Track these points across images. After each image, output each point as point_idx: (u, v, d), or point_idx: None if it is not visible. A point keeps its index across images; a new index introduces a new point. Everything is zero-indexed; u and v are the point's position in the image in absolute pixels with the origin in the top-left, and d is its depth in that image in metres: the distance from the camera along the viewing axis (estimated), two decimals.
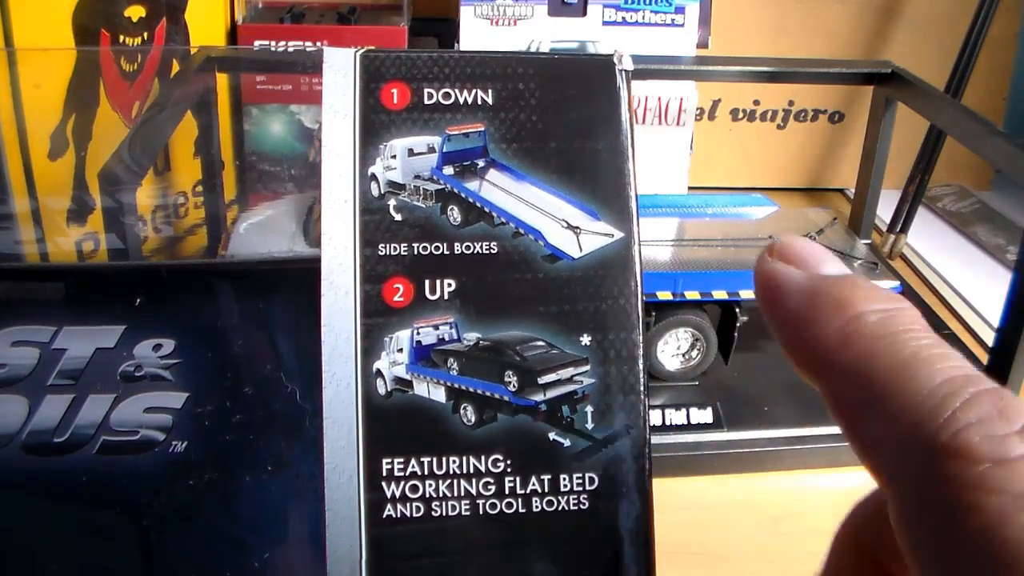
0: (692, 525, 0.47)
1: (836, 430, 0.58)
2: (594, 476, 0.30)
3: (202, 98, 0.59)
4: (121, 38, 0.60)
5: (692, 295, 0.53)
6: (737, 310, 0.53)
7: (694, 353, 0.55)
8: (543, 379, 0.30)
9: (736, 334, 0.54)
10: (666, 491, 0.48)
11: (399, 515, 0.28)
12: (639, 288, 0.31)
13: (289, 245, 0.54)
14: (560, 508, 0.30)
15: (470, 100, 0.31)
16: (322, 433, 0.28)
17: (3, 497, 0.28)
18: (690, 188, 0.79)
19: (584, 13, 0.74)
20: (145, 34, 0.62)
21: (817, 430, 0.50)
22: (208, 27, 0.70)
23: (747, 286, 0.53)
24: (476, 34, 0.74)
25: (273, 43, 0.72)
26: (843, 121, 0.88)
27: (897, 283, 0.55)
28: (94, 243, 0.56)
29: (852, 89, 0.84)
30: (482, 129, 0.31)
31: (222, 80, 0.68)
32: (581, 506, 0.30)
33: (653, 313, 0.52)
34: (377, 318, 0.29)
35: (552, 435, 0.30)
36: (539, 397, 0.30)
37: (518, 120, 0.31)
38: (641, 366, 0.31)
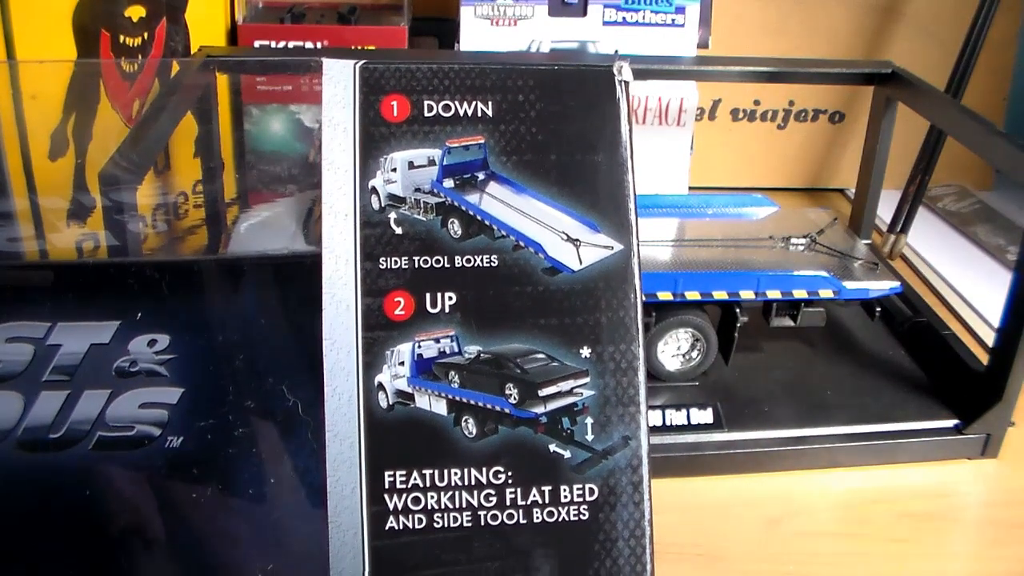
0: (692, 525, 0.47)
1: (836, 430, 0.57)
2: (594, 487, 0.30)
3: (202, 98, 0.59)
4: (121, 38, 0.60)
5: (692, 295, 0.53)
6: (737, 310, 0.53)
7: (694, 353, 0.55)
8: (543, 391, 0.30)
9: (736, 334, 0.54)
10: (666, 491, 0.48)
11: (401, 527, 0.29)
12: (638, 300, 0.31)
13: (289, 244, 0.54)
14: (560, 519, 0.30)
15: (470, 112, 0.31)
16: (324, 445, 0.28)
17: None
18: (690, 188, 0.79)
19: (584, 13, 0.74)
20: (145, 34, 0.62)
21: (817, 430, 0.50)
22: (208, 27, 0.70)
23: (747, 286, 0.53)
24: (476, 34, 0.74)
25: (273, 43, 0.72)
26: (843, 121, 0.88)
27: (897, 283, 0.55)
28: (94, 243, 0.56)
29: (852, 89, 0.84)
30: (482, 141, 0.31)
31: (222, 80, 0.68)
32: (581, 516, 0.30)
33: (653, 313, 0.52)
34: (378, 332, 0.29)
35: (552, 447, 0.30)
36: (540, 409, 0.30)
37: (518, 132, 0.31)
38: (641, 377, 0.31)
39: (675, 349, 0.55)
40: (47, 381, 0.28)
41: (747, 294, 0.53)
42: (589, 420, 0.30)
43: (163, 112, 0.50)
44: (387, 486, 0.29)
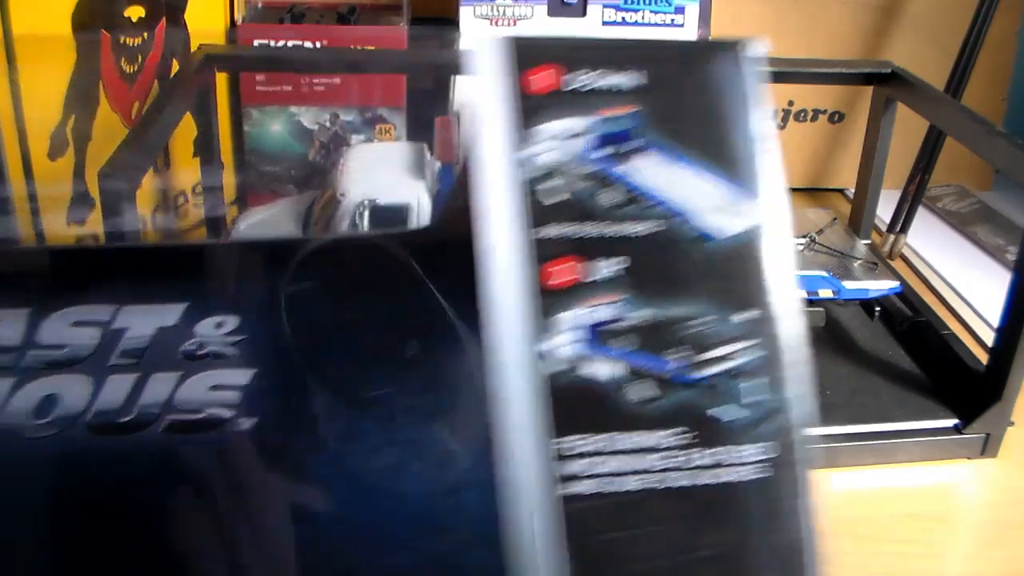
0: None
1: (836, 430, 0.57)
2: (764, 446, 0.30)
3: (202, 98, 0.58)
4: (121, 38, 0.60)
5: None
6: None
7: None
8: (710, 354, 0.30)
9: None
10: None
11: (580, 493, 0.29)
12: (792, 259, 0.32)
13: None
14: (735, 480, 0.30)
15: (623, 84, 0.31)
16: (494, 416, 0.28)
17: (70, 477, 0.27)
18: None
19: (584, 13, 0.74)
20: (145, 34, 0.62)
21: (817, 430, 0.50)
22: (208, 27, 0.70)
23: None
24: (476, 34, 0.74)
25: (273, 43, 0.72)
26: (843, 121, 0.88)
27: (897, 283, 0.55)
28: (94, 243, 0.56)
29: (852, 89, 0.84)
30: (635, 111, 0.31)
31: (222, 80, 0.68)
32: (754, 475, 0.30)
33: None
34: (544, 299, 0.29)
35: (721, 409, 0.30)
36: (708, 372, 0.30)
37: (669, 103, 0.31)
38: (802, 336, 0.31)
39: None
40: (114, 365, 0.28)
41: None
42: (757, 381, 0.30)
43: (163, 112, 0.49)
44: (562, 453, 0.28)
